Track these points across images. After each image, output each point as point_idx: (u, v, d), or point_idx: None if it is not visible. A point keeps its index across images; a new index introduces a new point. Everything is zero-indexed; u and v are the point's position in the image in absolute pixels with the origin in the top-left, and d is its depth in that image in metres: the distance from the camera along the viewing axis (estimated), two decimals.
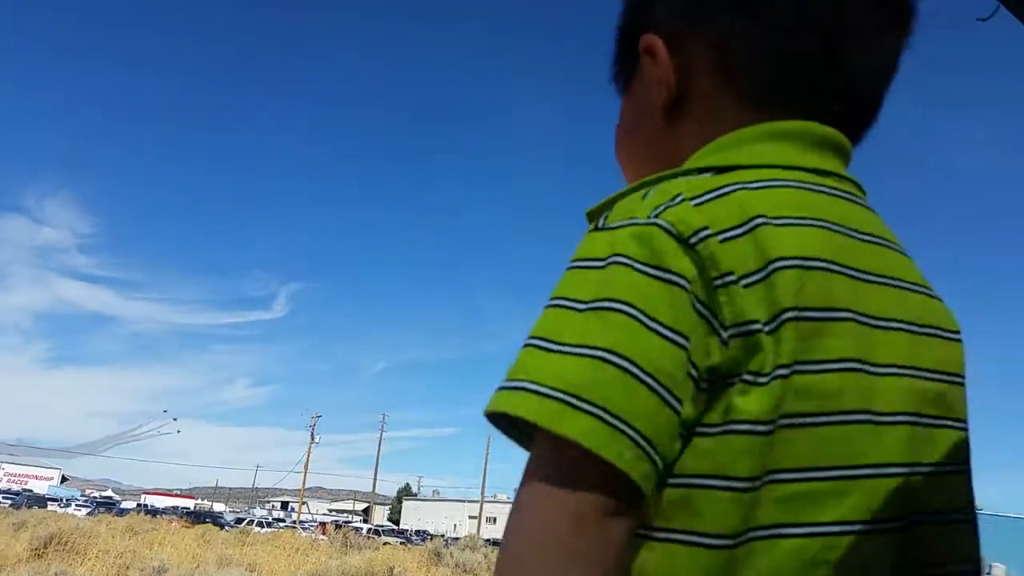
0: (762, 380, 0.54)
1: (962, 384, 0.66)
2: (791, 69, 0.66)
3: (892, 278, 0.63)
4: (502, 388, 0.55)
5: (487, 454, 64.32)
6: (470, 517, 72.01)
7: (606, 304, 0.54)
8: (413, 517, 79.61)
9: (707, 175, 0.61)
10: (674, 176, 0.62)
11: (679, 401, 0.53)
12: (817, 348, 0.56)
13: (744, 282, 0.55)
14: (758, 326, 0.54)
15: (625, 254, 0.55)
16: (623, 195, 0.61)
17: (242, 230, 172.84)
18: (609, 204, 0.62)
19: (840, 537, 0.55)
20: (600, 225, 0.59)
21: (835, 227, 0.60)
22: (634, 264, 0.55)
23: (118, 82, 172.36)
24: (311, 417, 67.04)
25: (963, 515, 0.62)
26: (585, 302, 0.55)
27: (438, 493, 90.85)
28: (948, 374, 0.65)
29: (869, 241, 0.63)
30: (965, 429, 0.65)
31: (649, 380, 0.52)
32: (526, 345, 0.56)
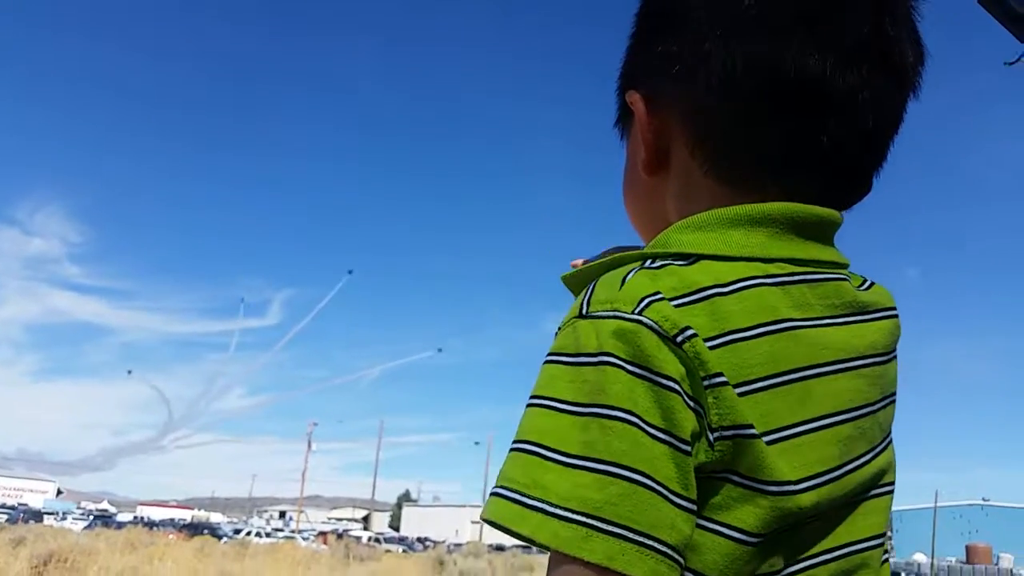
0: (761, 488, 0.56)
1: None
2: (762, 145, 0.64)
3: (867, 355, 0.65)
4: (508, 499, 0.54)
5: (488, 458, 64.28)
6: (472, 522, 71.68)
7: (604, 411, 0.53)
8: (414, 523, 79.24)
9: (681, 263, 0.60)
10: (646, 260, 0.62)
11: (693, 503, 0.54)
12: (806, 464, 0.58)
13: (736, 390, 0.56)
14: (752, 431, 0.55)
15: (614, 353, 0.54)
16: (600, 269, 0.63)
17: (235, 237, 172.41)
18: (586, 277, 0.63)
19: None
20: (583, 311, 0.58)
21: (803, 323, 0.61)
22: (625, 366, 0.54)
23: (106, 92, 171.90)
24: (308, 425, 66.80)
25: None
26: (581, 406, 0.54)
27: (438, 499, 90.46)
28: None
29: (841, 323, 0.64)
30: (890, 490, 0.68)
31: (662, 489, 0.53)
32: (522, 450, 0.55)
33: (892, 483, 0.67)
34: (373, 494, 76.54)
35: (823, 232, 0.66)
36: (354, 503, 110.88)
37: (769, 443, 0.56)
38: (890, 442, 0.68)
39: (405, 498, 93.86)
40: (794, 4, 0.64)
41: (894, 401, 0.69)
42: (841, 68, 0.63)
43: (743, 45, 0.63)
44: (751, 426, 0.55)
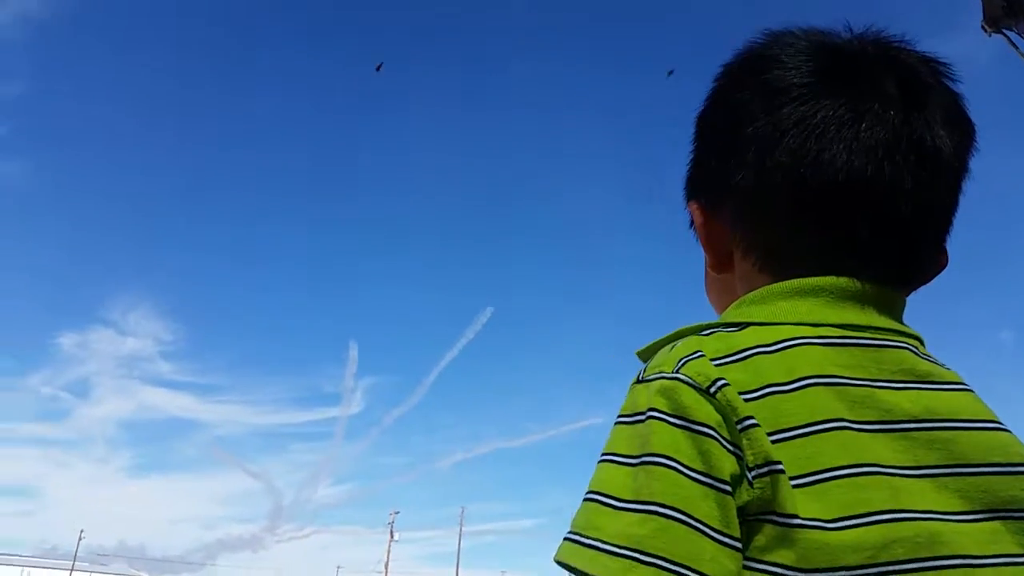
0: (792, 524, 0.59)
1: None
2: (803, 247, 0.72)
3: (920, 420, 0.65)
4: (571, 541, 0.63)
5: None
6: None
7: (649, 459, 0.61)
8: None
9: (731, 330, 0.69)
10: (702, 330, 0.70)
11: (736, 540, 0.60)
12: (839, 505, 0.60)
13: (771, 437, 0.61)
14: (781, 468, 0.60)
15: (656, 408, 0.63)
16: (664, 342, 0.71)
17: (317, 327, 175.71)
18: (653, 349, 0.72)
19: None
20: (639, 377, 0.67)
21: (853, 381, 0.65)
22: (665, 418, 0.62)
23: (190, 189, 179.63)
24: (389, 514, 65.70)
25: None
26: (632, 457, 0.63)
27: None
28: (997, 511, 0.64)
29: (896, 387, 0.66)
30: None
31: (699, 525, 0.59)
32: (588, 499, 0.64)
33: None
34: None
35: (880, 303, 0.71)
36: None
37: (799, 485, 0.60)
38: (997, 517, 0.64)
39: None
40: (823, 111, 0.70)
41: (1000, 472, 0.65)
42: (873, 165, 0.69)
43: (778, 157, 0.71)
44: (780, 462, 0.60)
